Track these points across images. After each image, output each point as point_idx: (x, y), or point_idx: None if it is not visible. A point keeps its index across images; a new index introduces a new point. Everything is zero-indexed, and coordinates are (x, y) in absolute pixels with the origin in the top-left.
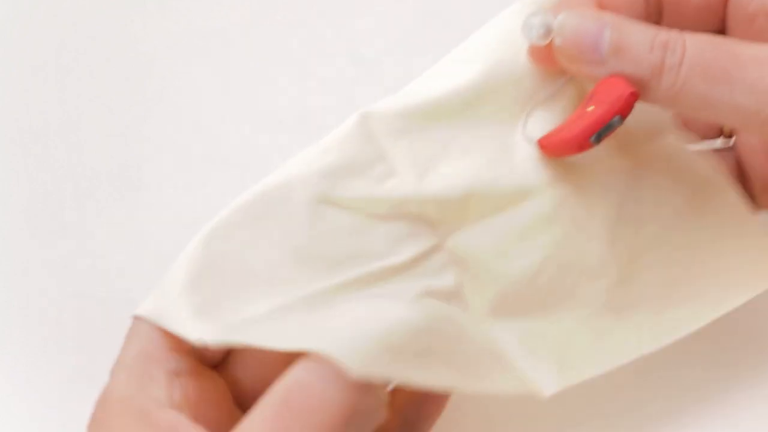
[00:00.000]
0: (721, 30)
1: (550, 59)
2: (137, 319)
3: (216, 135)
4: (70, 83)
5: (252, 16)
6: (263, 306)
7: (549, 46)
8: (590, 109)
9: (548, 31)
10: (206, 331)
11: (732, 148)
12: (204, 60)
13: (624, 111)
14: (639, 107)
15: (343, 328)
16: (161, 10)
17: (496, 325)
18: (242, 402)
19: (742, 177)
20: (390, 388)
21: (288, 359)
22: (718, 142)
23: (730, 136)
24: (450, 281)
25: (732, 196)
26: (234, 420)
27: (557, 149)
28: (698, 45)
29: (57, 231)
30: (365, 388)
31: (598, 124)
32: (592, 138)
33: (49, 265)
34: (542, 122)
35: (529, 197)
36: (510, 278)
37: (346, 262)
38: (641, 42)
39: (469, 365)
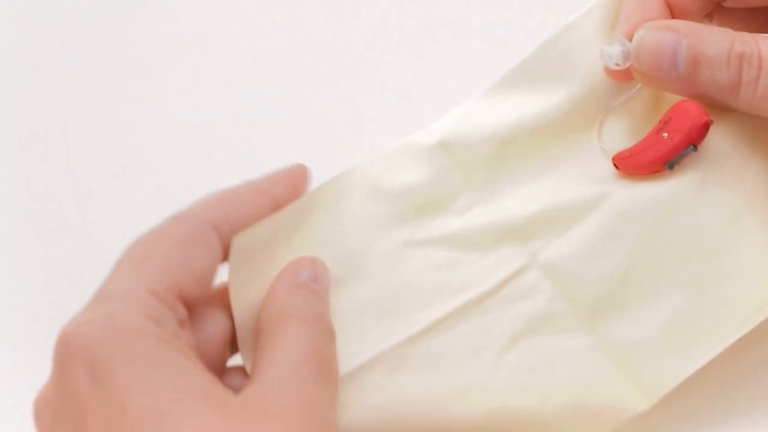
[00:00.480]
0: None
1: (627, 76)
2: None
3: (216, 135)
4: (70, 83)
5: (252, 16)
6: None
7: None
8: (665, 135)
9: (627, 56)
10: None
11: None
12: (204, 60)
13: (697, 140)
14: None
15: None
16: (161, 10)
17: (593, 333)
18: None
19: None
20: None
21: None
22: None
23: None
24: (545, 298)
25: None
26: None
27: (631, 170)
28: None
29: (57, 231)
30: None
31: (673, 153)
32: (666, 164)
33: (49, 265)
34: (616, 131)
35: (605, 200)
36: (603, 280)
37: (433, 298)
38: (718, 55)
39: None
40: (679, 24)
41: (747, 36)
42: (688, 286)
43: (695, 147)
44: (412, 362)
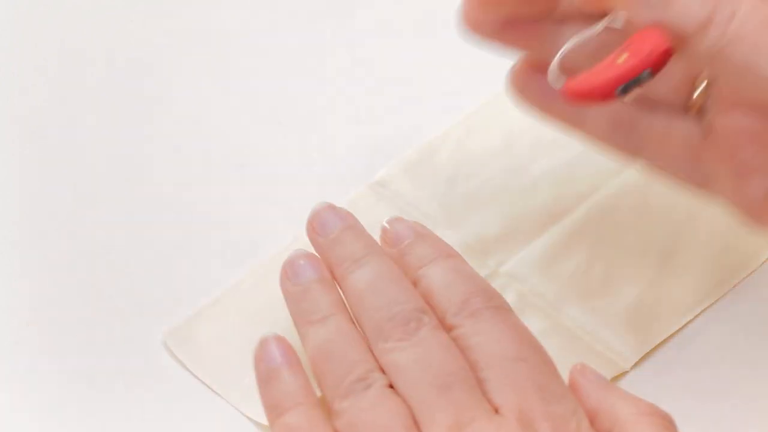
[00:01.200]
0: None
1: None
2: None
3: (216, 135)
4: (71, 83)
5: (252, 16)
6: None
7: None
8: (622, 58)
9: None
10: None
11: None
12: (204, 60)
13: (656, 66)
14: None
15: None
16: (161, 10)
17: (564, 312)
18: None
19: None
20: None
21: None
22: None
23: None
24: (512, 298)
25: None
26: None
27: (581, 95)
28: (753, 5)
29: (57, 231)
30: None
31: (628, 76)
32: (619, 89)
33: (49, 265)
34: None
35: (567, 214)
36: (567, 275)
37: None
38: None
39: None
40: None
41: None
42: (645, 278)
43: (652, 74)
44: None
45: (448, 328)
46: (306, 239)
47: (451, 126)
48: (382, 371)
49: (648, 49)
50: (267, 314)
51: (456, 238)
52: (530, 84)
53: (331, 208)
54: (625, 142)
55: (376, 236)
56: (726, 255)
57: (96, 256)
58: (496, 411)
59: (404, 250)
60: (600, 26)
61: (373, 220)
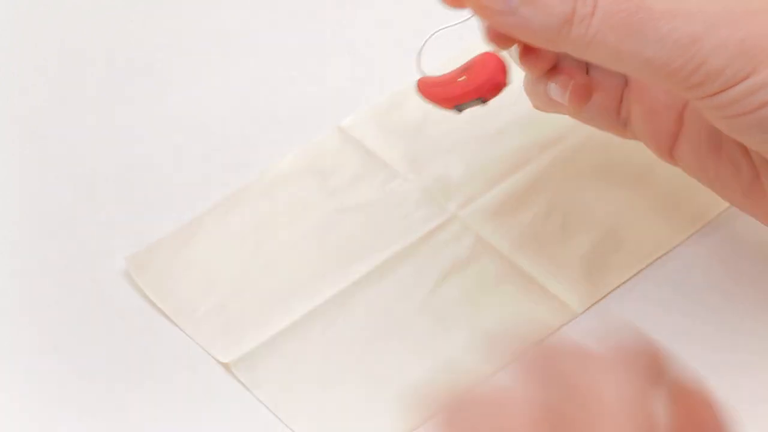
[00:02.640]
0: None
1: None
2: None
3: (216, 135)
4: (71, 83)
5: (252, 16)
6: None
7: None
8: (462, 78)
9: None
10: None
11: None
12: (204, 60)
13: (487, 96)
14: None
15: None
16: (161, 10)
17: (520, 258)
18: None
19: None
20: None
21: None
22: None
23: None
24: (469, 243)
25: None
26: None
27: (427, 96)
28: None
29: (57, 231)
30: None
31: (462, 100)
32: (454, 108)
33: (49, 265)
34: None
35: (530, 162)
36: (526, 222)
37: (364, 253)
38: None
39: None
40: None
41: None
42: (602, 228)
43: (484, 101)
44: (350, 309)
45: None
46: (272, 173)
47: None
48: None
49: (483, 79)
50: (226, 248)
51: (417, 183)
52: (537, 90)
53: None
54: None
55: (335, 182)
56: (680, 208)
57: (96, 257)
58: None
59: None
60: (461, 20)
61: (337, 164)
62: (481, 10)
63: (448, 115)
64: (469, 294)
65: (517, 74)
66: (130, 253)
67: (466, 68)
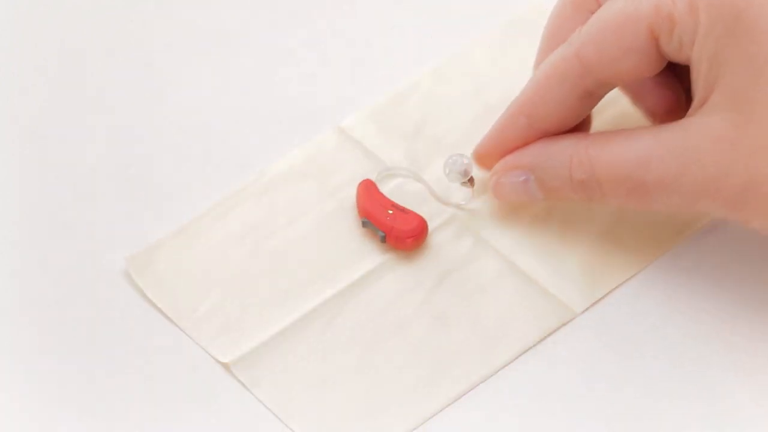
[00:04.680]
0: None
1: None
2: None
3: (216, 134)
4: (71, 83)
5: (252, 16)
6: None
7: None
8: (388, 214)
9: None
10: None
11: None
12: (204, 60)
13: (387, 240)
14: None
15: None
16: (161, 10)
17: (520, 258)
18: None
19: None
20: None
21: None
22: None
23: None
24: (468, 243)
25: None
26: None
27: (358, 194)
28: (608, 163)
29: (57, 231)
30: None
31: (372, 220)
32: (362, 219)
33: (49, 265)
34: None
35: None
36: (526, 223)
37: (364, 254)
38: (563, 185)
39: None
40: (526, 156)
41: (583, 154)
42: (601, 230)
43: (384, 239)
44: (350, 309)
45: None
46: (271, 173)
47: (421, 75)
48: None
49: (398, 229)
50: (226, 248)
51: (418, 184)
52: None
53: None
54: None
55: (334, 182)
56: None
57: (96, 257)
58: None
59: None
60: (460, 201)
61: (336, 165)
62: (503, 198)
63: (448, 116)
64: (469, 294)
65: None
66: (130, 253)
67: (401, 210)
